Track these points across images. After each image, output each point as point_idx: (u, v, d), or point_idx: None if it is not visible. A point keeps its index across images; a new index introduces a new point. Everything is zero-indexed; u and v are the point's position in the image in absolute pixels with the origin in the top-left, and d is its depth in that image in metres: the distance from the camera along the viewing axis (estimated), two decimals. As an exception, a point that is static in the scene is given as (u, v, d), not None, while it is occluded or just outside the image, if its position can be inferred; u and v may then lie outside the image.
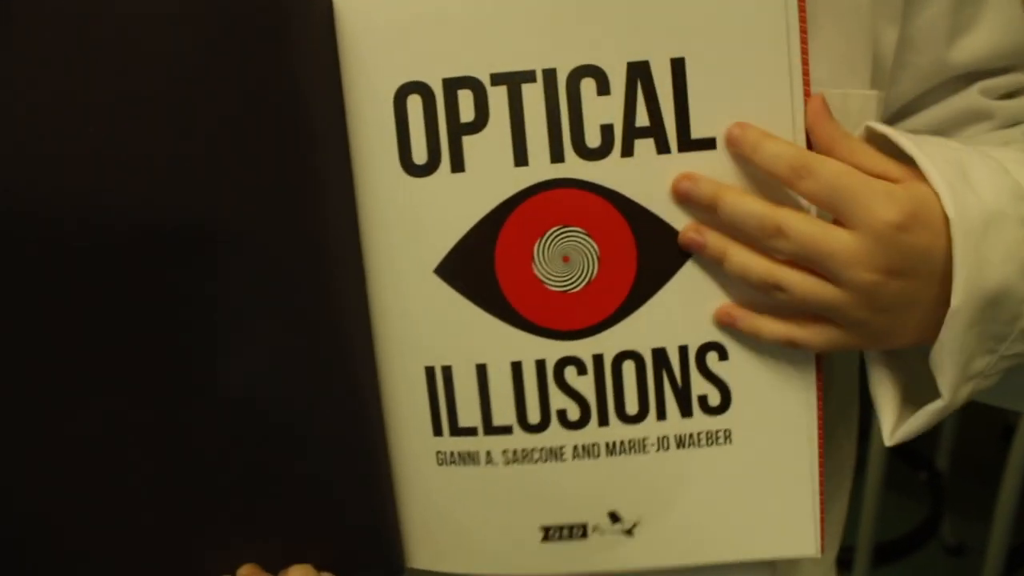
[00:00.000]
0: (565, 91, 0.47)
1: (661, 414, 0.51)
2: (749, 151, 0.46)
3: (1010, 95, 0.59)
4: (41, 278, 0.43)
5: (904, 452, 2.08)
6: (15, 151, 0.42)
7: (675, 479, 0.52)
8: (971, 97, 0.57)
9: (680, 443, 0.51)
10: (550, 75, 0.47)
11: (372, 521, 0.53)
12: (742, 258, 0.47)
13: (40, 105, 0.42)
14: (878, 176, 0.46)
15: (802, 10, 0.46)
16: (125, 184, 0.44)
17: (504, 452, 0.52)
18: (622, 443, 0.51)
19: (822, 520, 0.52)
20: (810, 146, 0.47)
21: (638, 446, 0.51)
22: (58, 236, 0.43)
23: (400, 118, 0.49)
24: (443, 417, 0.52)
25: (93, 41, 0.43)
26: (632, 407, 0.51)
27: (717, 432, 0.51)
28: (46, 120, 0.42)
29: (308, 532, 0.52)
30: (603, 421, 0.51)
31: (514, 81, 0.47)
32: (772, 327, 0.48)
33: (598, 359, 0.50)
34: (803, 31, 0.47)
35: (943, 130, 0.58)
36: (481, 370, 0.51)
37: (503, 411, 0.51)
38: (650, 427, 0.51)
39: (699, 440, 0.51)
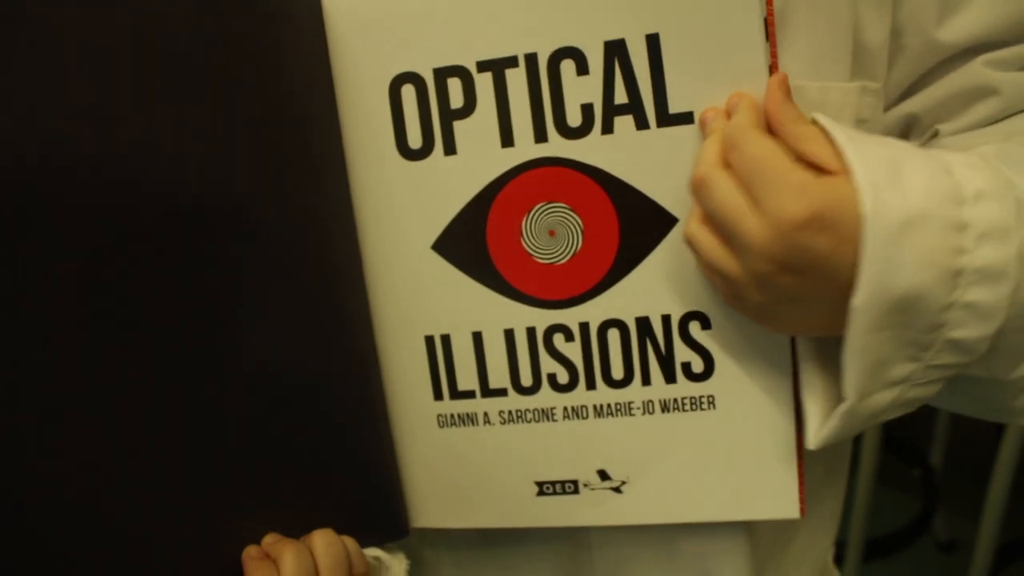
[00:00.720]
0: (546, 73, 0.50)
1: (646, 379, 0.54)
2: (707, 130, 0.48)
3: None
4: (75, 258, 0.46)
5: (898, 448, 2.09)
6: (60, 142, 0.45)
7: (661, 441, 0.54)
8: (974, 71, 0.55)
9: (665, 407, 0.54)
10: (531, 59, 0.50)
11: (378, 486, 0.56)
12: (692, 204, 0.48)
13: (75, 100, 0.45)
14: (816, 166, 0.44)
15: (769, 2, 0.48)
16: (149, 172, 0.47)
17: (500, 413, 0.55)
18: (609, 406, 0.54)
19: (801, 485, 0.54)
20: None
21: (624, 409, 0.54)
22: (91, 217, 0.46)
23: (395, 107, 0.52)
24: (443, 382, 0.56)
25: (113, 41, 0.46)
26: (618, 372, 0.54)
27: (701, 398, 0.54)
28: (83, 113, 0.46)
29: (318, 500, 0.55)
30: (590, 385, 0.54)
31: (498, 67, 0.51)
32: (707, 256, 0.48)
33: (584, 327, 0.54)
34: (770, 12, 0.48)
35: (948, 110, 0.57)
36: (477, 337, 0.55)
37: (498, 375, 0.55)
38: (635, 391, 0.54)
39: (683, 405, 0.54)
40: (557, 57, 0.50)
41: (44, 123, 0.45)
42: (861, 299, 0.42)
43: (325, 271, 0.54)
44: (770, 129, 0.47)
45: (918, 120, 0.58)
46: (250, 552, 0.52)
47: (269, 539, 0.53)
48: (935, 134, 0.58)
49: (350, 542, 0.53)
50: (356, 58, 0.53)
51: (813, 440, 0.49)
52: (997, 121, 0.56)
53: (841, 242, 0.42)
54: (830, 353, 0.48)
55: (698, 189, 0.47)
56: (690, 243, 0.48)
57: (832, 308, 0.44)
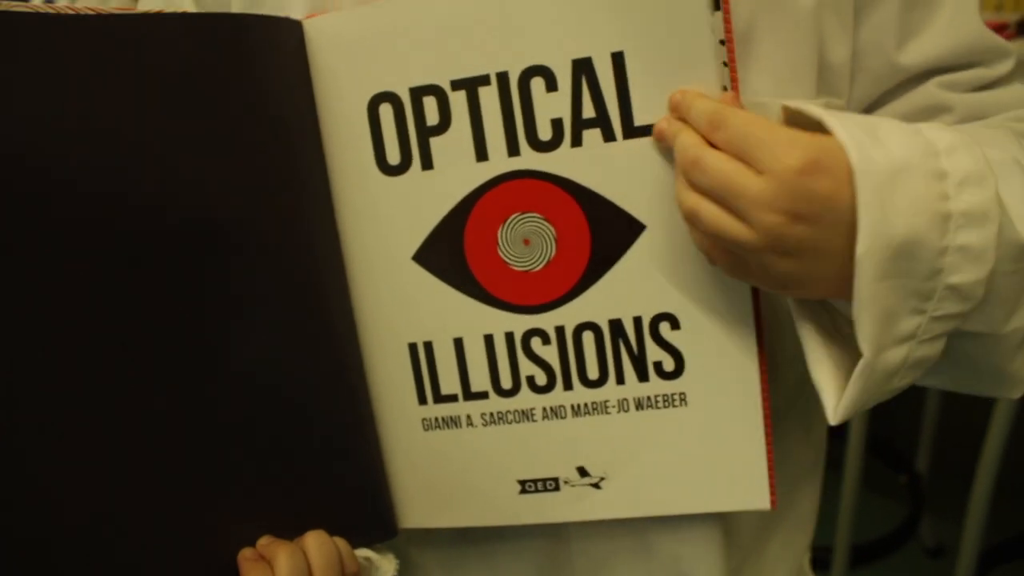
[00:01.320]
0: (517, 91, 0.53)
1: (620, 379, 0.56)
2: (686, 111, 0.49)
3: (980, 89, 0.60)
4: (77, 262, 0.48)
5: (884, 454, 2.10)
6: (62, 151, 0.47)
7: (636, 437, 0.57)
8: (929, 91, 0.59)
9: (639, 405, 0.56)
10: (503, 77, 0.53)
11: (367, 488, 0.59)
12: (680, 185, 0.49)
13: (77, 114, 0.48)
14: None
15: (726, 11, 0.50)
16: (146, 188, 0.50)
17: (482, 415, 0.58)
18: (586, 405, 0.57)
19: (771, 477, 0.56)
20: None
21: (600, 408, 0.57)
22: (94, 225, 0.48)
23: (374, 125, 0.55)
24: (427, 387, 0.58)
25: (115, 70, 0.49)
26: (593, 372, 0.56)
27: (673, 395, 0.56)
28: (84, 126, 0.48)
29: (309, 503, 0.57)
30: (568, 385, 0.57)
31: (472, 85, 0.53)
32: (704, 224, 0.48)
33: (560, 330, 0.56)
34: (728, 31, 0.50)
35: None
36: (458, 343, 0.57)
37: (479, 379, 0.57)
38: (610, 391, 0.56)
39: (656, 402, 0.56)
40: (527, 75, 0.53)
41: (47, 131, 0.47)
42: (864, 247, 0.44)
43: (313, 281, 0.56)
44: None
45: None
46: (245, 554, 0.54)
47: (263, 541, 0.55)
48: None
49: (341, 543, 0.55)
50: (336, 79, 0.55)
51: (837, 412, 0.50)
52: None
53: (840, 184, 0.44)
54: (830, 330, 0.50)
55: (693, 169, 0.48)
56: (692, 218, 0.49)
57: (844, 260, 0.46)
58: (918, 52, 0.58)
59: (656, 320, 0.55)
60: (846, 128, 0.45)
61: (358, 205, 0.57)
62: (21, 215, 0.46)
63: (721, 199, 0.47)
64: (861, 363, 0.47)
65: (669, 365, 0.56)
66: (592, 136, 0.53)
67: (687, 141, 0.49)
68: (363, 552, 0.58)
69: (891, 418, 1.85)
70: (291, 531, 0.55)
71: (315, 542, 0.54)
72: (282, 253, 0.54)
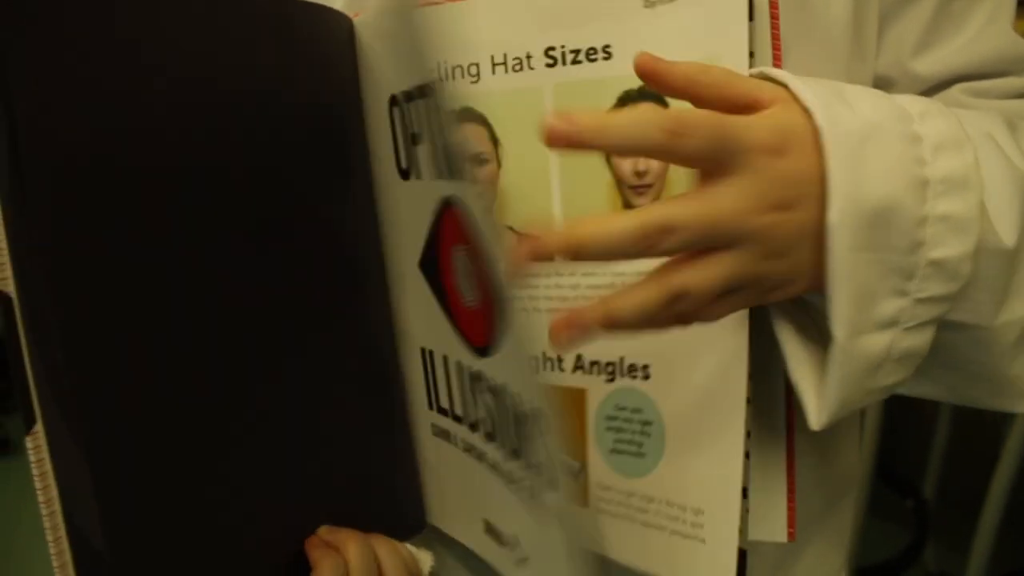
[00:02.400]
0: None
1: (529, 464, 0.46)
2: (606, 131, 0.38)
3: (1014, 97, 0.56)
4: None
5: (891, 479, 2.06)
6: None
7: (542, 540, 0.47)
8: (952, 96, 0.55)
9: (539, 504, 0.46)
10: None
11: (400, 482, 0.59)
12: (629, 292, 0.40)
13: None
14: (748, 103, 0.41)
15: (775, 37, 0.45)
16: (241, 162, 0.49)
17: (462, 440, 0.54)
18: (510, 472, 0.49)
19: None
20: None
21: (517, 482, 0.48)
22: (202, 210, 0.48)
23: (392, 126, 0.53)
24: (432, 394, 0.57)
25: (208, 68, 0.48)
26: (510, 442, 0.47)
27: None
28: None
29: (354, 494, 0.56)
30: (500, 444, 0.49)
31: (423, 95, 0.47)
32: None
33: (493, 381, 0.48)
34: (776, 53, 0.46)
35: None
36: (444, 361, 0.54)
37: (456, 404, 0.54)
38: (522, 469, 0.47)
39: (549, 520, 0.45)
40: None
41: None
42: (836, 212, 0.40)
43: (373, 280, 0.57)
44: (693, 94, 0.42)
45: None
46: (313, 541, 0.52)
47: (324, 529, 0.53)
48: None
49: (401, 546, 0.55)
50: (373, 77, 0.54)
51: (821, 413, 0.44)
52: None
53: (811, 158, 0.41)
54: (811, 331, 0.46)
55: (665, 236, 0.38)
56: (684, 292, 0.40)
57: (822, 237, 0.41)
58: (938, 61, 0.55)
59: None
60: (811, 88, 0.42)
61: (384, 204, 0.56)
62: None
63: (704, 244, 0.40)
64: (834, 348, 0.42)
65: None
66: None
67: (632, 223, 0.39)
68: (406, 546, 0.58)
69: (899, 442, 1.82)
70: (335, 519, 0.54)
71: (385, 546, 0.54)
72: (350, 245, 0.56)
